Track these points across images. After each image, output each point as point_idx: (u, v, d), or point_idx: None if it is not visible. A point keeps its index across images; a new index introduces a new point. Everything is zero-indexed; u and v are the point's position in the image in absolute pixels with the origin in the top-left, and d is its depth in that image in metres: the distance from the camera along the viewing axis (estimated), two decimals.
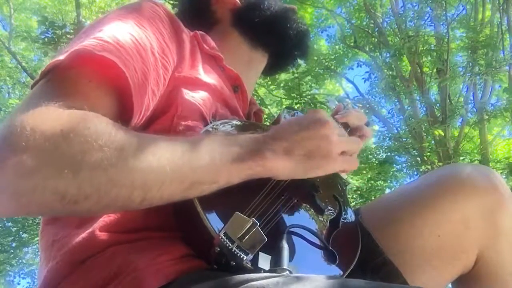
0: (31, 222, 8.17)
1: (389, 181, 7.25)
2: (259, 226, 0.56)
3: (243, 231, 0.55)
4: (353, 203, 6.03)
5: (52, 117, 0.52)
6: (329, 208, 0.75)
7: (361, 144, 0.72)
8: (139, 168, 0.52)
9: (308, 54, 1.05)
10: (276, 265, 0.56)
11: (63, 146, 0.50)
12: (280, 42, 0.99)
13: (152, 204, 0.55)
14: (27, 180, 0.48)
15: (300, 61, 1.14)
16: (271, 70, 1.08)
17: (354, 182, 6.08)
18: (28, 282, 10.54)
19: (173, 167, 0.55)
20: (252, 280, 0.51)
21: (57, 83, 0.59)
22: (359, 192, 6.37)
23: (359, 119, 0.91)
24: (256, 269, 0.55)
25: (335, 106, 0.99)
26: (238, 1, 0.99)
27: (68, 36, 5.22)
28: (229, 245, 0.55)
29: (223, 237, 0.55)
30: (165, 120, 0.70)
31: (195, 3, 1.04)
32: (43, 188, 0.48)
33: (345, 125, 0.97)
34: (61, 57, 0.59)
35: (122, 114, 0.63)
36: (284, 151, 0.63)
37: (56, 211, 0.52)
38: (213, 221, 0.58)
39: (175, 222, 0.64)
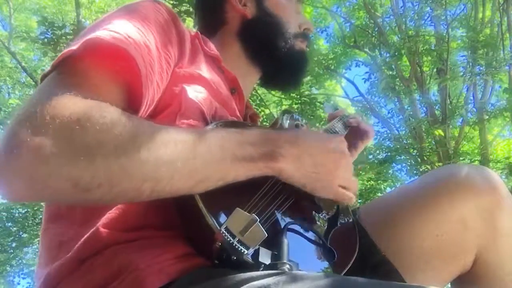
0: (31, 222, 8.16)
1: (389, 181, 7.25)
2: (259, 222, 0.56)
3: (244, 226, 0.56)
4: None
5: (69, 106, 0.53)
6: (327, 206, 0.76)
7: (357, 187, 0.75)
8: (151, 160, 0.53)
9: (298, 85, 1.06)
10: (276, 260, 0.57)
11: (80, 134, 0.51)
12: (270, 65, 0.99)
13: (159, 197, 0.56)
14: (43, 165, 0.49)
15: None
16: (265, 85, 1.10)
17: None
18: (28, 282, 10.50)
19: (185, 161, 0.56)
20: (254, 279, 0.51)
21: (70, 75, 0.60)
22: (359, 192, 6.36)
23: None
24: (257, 263, 0.56)
25: (333, 111, 1.01)
26: (248, 15, 0.98)
27: (68, 36, 5.23)
28: (230, 240, 0.55)
29: (224, 231, 0.56)
30: (167, 117, 0.71)
31: (210, 2, 1.03)
32: (58, 174, 0.49)
33: (345, 126, 0.98)
34: (73, 48, 0.60)
35: (130, 105, 0.64)
36: (294, 157, 0.64)
37: (68, 198, 0.53)
38: (214, 216, 0.58)
39: (177, 218, 0.64)
